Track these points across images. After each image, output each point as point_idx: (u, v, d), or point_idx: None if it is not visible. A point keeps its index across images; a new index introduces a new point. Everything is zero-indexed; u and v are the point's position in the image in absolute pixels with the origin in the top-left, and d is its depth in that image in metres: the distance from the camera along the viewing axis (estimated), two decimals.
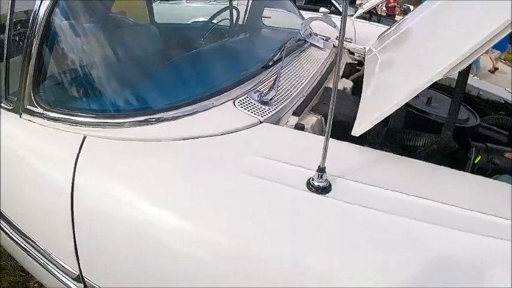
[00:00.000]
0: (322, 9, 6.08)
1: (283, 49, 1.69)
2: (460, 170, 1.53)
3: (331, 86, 1.73)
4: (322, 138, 1.17)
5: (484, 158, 1.61)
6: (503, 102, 2.30)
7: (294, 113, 1.35)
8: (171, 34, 2.46)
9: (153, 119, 1.17)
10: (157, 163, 1.03)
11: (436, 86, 2.28)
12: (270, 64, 1.60)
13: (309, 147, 1.12)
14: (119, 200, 0.99)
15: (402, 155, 1.18)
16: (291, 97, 1.44)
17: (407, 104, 1.67)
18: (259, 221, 0.86)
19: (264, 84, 1.48)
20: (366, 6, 6.27)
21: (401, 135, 1.36)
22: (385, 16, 8.46)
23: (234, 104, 1.30)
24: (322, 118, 1.41)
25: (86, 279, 1.11)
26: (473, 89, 2.39)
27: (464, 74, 1.27)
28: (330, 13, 6.14)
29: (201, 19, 3.23)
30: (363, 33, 5.72)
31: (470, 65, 1.03)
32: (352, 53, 2.62)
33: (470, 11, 1.24)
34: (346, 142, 1.17)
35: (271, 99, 1.35)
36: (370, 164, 1.08)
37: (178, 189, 0.95)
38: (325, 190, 0.91)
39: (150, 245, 0.92)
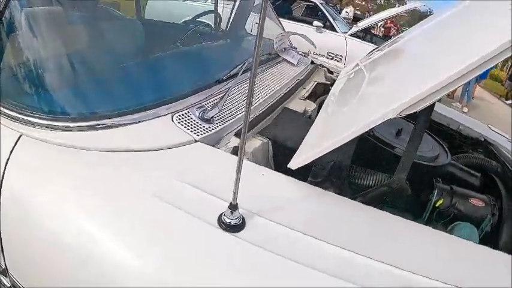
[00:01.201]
0: (316, 22, 6.10)
1: (244, 63, 1.57)
2: (418, 212, 1.47)
3: (291, 107, 1.61)
4: (256, 166, 1.08)
5: (446, 202, 1.51)
6: (482, 140, 2.19)
7: (236, 135, 1.22)
8: (143, 33, 2.32)
9: (86, 126, 1.09)
10: (77, 173, 0.97)
11: (409, 116, 2.18)
12: (225, 78, 1.47)
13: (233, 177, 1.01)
14: (40, 208, 0.93)
15: (345, 194, 1.08)
16: (238, 116, 1.32)
17: (372, 135, 1.58)
18: (159, 250, 0.79)
19: (213, 99, 1.36)
20: (362, 25, 6.21)
21: (348, 171, 1.23)
22: (381, 37, 8.38)
23: (172, 118, 1.19)
24: (270, 142, 1.29)
25: (10, 275, 1.05)
26: (454, 122, 2.28)
27: (428, 108, 1.14)
28: (323, 27, 6.17)
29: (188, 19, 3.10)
30: (355, 52, 5.66)
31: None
32: (331, 72, 2.51)
33: (438, 47, 1.15)
34: (281, 174, 1.06)
35: (212, 117, 1.24)
36: (300, 201, 0.98)
37: (90, 201, 0.90)
38: (235, 228, 0.82)
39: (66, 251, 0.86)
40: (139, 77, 1.45)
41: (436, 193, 1.51)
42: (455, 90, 8.92)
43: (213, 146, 1.17)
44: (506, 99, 12.23)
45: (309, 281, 0.76)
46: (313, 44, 2.36)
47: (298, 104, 1.67)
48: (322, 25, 6.11)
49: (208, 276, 0.75)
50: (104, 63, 1.45)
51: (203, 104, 1.30)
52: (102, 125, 1.09)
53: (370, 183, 1.27)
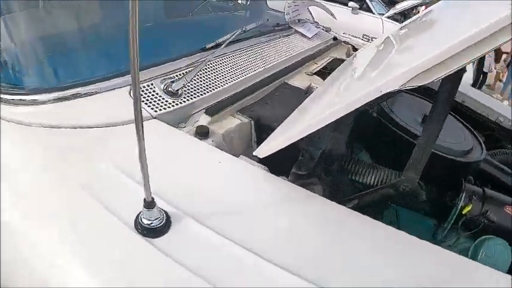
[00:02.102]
0: (351, 3, 5.70)
1: (234, 33, 1.29)
2: (441, 218, 1.27)
3: (293, 82, 1.33)
4: (217, 152, 0.83)
5: (476, 209, 1.23)
6: None
7: (207, 112, 0.97)
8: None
9: (30, 100, 0.92)
10: (13, 150, 0.82)
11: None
12: (207, 47, 1.21)
13: (186, 163, 0.80)
14: None
15: (336, 194, 0.83)
16: (216, 91, 1.06)
17: (392, 122, 1.30)
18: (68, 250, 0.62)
19: (186, 71, 1.10)
20: (400, 7, 5.76)
21: (343, 164, 0.95)
22: None
23: (130, 91, 0.96)
24: (252, 123, 1.02)
25: None
26: (493, 113, 1.98)
27: (454, 80, 0.84)
28: (359, 9, 5.77)
29: None
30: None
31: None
32: (356, 49, 2.19)
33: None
34: (246, 162, 0.82)
35: (178, 90, 0.98)
36: (258, 201, 0.74)
37: (20, 182, 0.74)
38: (152, 232, 0.63)
39: None
40: (99, 47, 1.21)
41: (463, 197, 1.24)
42: (496, 81, 8.35)
43: (177, 124, 0.95)
44: None
45: None
46: (332, 14, 2.05)
47: (302, 80, 1.38)
48: (358, 6, 5.69)
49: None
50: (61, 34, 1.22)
51: (173, 75, 1.05)
52: (51, 99, 0.92)
53: (372, 181, 0.98)
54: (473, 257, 1.17)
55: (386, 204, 1.00)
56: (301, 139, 0.76)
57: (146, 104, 0.94)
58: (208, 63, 1.14)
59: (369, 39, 5.25)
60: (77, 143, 0.82)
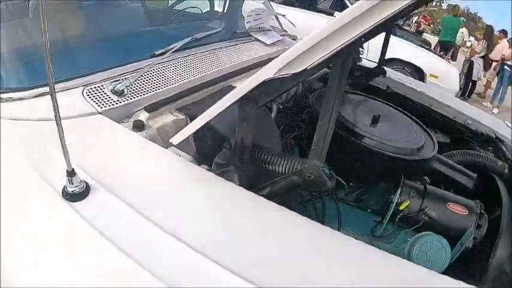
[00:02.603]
0: (336, 13, 5.86)
1: (182, 42, 1.46)
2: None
3: (237, 85, 1.48)
4: (142, 139, 0.99)
5: (415, 205, 1.27)
6: (494, 136, 1.93)
7: (146, 109, 1.13)
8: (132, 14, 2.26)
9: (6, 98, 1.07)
10: None
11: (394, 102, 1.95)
12: (156, 54, 1.37)
13: (116, 149, 0.97)
14: None
15: (250, 182, 0.96)
16: (157, 92, 1.22)
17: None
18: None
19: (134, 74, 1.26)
20: None
21: (255, 153, 1.01)
22: (411, 32, 7.94)
23: (83, 91, 1.13)
24: (188, 119, 1.18)
25: None
26: (462, 116, 2.07)
27: (342, 66, 0.82)
28: None
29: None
30: (378, 45, 5.40)
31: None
32: None
33: None
34: (167, 150, 0.98)
35: (123, 91, 1.15)
36: (170, 183, 0.89)
37: None
38: (76, 196, 0.78)
39: None
40: (61, 52, 1.37)
41: (400, 192, 1.27)
42: (487, 89, 8.44)
43: (121, 119, 1.10)
44: None
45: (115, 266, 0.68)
46: (292, 24, 2.22)
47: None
48: None
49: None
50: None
51: (120, 78, 1.21)
52: (25, 96, 1.08)
53: (281, 169, 0.99)
54: (409, 254, 1.19)
55: (296, 192, 1.04)
56: (223, 130, 0.91)
57: (94, 101, 1.09)
58: (158, 67, 1.30)
59: None
60: (37, 132, 0.97)
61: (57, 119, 0.69)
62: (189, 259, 0.68)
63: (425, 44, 6.88)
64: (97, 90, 1.14)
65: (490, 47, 7.61)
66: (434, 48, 8.35)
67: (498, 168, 1.64)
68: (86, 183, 0.80)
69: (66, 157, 0.73)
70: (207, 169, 0.95)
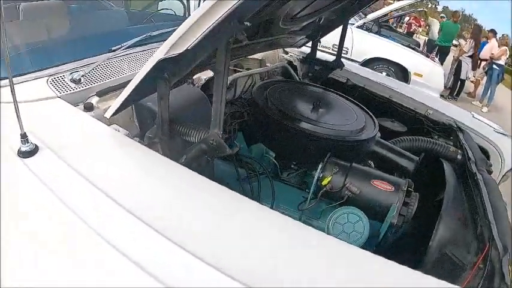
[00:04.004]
0: None
1: (139, 37, 1.64)
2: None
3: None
4: (89, 118, 1.16)
5: (337, 181, 1.31)
6: (455, 127, 1.99)
7: (97, 94, 1.30)
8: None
9: None
10: None
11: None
12: (114, 49, 1.54)
13: (65, 124, 1.16)
14: None
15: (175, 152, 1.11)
16: (112, 79, 1.40)
17: (274, 109, 1.50)
18: None
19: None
20: (370, 17, 6.10)
21: (170, 127, 1.13)
22: (400, 32, 8.05)
23: (47, 80, 1.30)
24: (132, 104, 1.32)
25: None
26: (422, 106, 2.16)
27: (224, 48, 0.97)
28: None
29: None
30: (363, 44, 5.62)
31: None
32: (286, 52, 2.50)
33: None
34: (105, 126, 1.15)
35: (79, 79, 1.32)
36: (106, 153, 1.06)
37: None
38: (27, 154, 0.96)
39: None
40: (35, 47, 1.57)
41: (320, 168, 1.32)
42: (477, 88, 8.54)
43: (76, 103, 1.27)
44: None
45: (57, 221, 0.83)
46: None
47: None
48: None
49: None
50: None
51: (80, 69, 1.39)
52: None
53: (195, 139, 1.13)
54: (327, 226, 1.25)
55: (207, 159, 1.12)
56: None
57: (55, 88, 1.27)
58: (113, 60, 1.48)
59: None
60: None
61: (12, 86, 0.87)
62: (110, 207, 0.85)
63: (413, 44, 7.03)
64: (59, 79, 1.32)
65: (478, 46, 7.72)
66: (423, 48, 8.49)
67: (450, 154, 1.70)
68: (36, 145, 0.98)
69: (20, 123, 0.92)
70: (138, 141, 1.13)
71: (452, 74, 8.11)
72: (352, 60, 4.88)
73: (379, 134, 1.84)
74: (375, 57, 5.58)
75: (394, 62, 5.61)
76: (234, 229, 0.86)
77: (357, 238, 1.22)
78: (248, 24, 0.92)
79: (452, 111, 2.16)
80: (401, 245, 1.50)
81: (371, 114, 1.72)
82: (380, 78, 2.47)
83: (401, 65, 5.61)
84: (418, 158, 1.60)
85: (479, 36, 7.87)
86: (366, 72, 2.49)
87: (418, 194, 1.28)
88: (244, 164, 1.48)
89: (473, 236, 1.20)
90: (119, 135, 1.12)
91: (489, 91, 7.92)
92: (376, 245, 1.40)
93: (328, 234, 1.18)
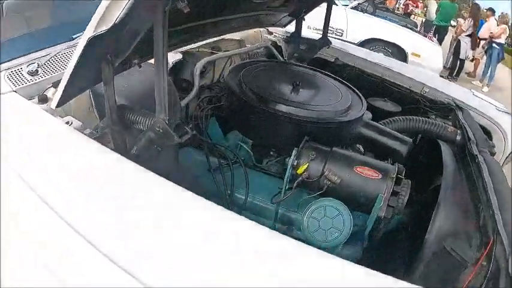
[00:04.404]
0: None
1: None
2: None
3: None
4: (39, 110, 1.07)
5: (315, 168, 1.16)
6: (454, 105, 1.85)
7: (53, 85, 1.19)
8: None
9: None
10: None
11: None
12: (74, 37, 1.44)
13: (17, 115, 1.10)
14: None
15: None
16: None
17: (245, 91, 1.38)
18: None
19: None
20: None
21: (118, 115, 1.02)
22: (393, 12, 7.81)
23: (5, 75, 1.21)
24: (90, 92, 1.22)
25: None
26: (417, 84, 2.02)
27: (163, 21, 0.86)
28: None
29: None
30: (357, 26, 5.48)
31: None
32: (270, 33, 2.36)
33: None
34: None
35: (36, 71, 1.22)
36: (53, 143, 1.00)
37: None
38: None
39: None
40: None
41: (294, 155, 1.16)
42: (476, 68, 8.39)
43: (33, 95, 1.17)
44: None
45: None
46: None
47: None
48: None
49: None
50: None
51: (38, 61, 1.28)
52: None
53: (144, 128, 1.03)
54: (303, 223, 1.13)
55: (156, 148, 1.02)
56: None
57: (12, 82, 1.17)
58: (75, 48, 1.36)
59: (333, 31, 5.42)
60: None
61: None
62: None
63: (411, 25, 6.86)
64: (16, 72, 1.22)
65: (476, 24, 7.56)
66: (420, 29, 8.32)
67: (449, 135, 1.56)
68: None
69: None
70: (89, 132, 1.04)
71: (451, 54, 7.94)
72: (348, 42, 4.72)
73: (370, 116, 1.75)
74: (371, 38, 5.41)
75: (391, 43, 5.44)
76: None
77: (335, 236, 1.10)
78: None
79: (450, 90, 2.03)
80: (396, 238, 1.41)
81: (358, 93, 1.58)
82: (372, 56, 2.33)
83: (399, 46, 5.44)
84: (411, 140, 1.47)
85: (477, 14, 7.69)
86: (357, 51, 2.34)
87: (410, 181, 1.15)
88: (216, 152, 1.36)
89: (475, 227, 1.07)
90: (65, 128, 1.03)
91: (489, 70, 7.78)
92: (367, 239, 1.29)
93: (304, 231, 1.12)
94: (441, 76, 6.11)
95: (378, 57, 2.31)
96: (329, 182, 1.14)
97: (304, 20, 2.03)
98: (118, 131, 1.00)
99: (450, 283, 0.99)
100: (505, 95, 7.47)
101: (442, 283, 1.03)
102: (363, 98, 1.55)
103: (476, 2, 8.12)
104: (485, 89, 7.63)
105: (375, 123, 1.51)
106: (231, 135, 1.53)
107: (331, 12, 1.98)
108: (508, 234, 0.95)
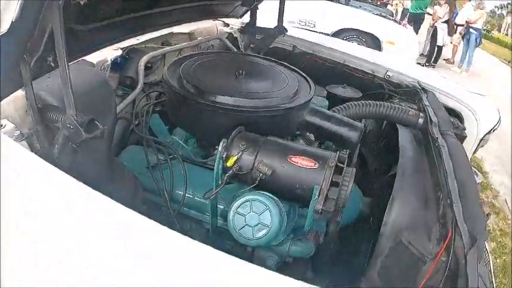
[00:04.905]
0: None
1: None
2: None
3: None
4: None
5: (248, 160, 1.05)
6: (419, 88, 1.78)
7: None
8: None
9: None
10: None
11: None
12: None
13: None
14: None
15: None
16: None
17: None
18: None
19: None
20: None
21: (39, 114, 0.93)
22: (369, 2, 7.74)
23: None
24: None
25: None
26: (380, 68, 1.95)
27: None
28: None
29: None
30: (332, 17, 5.39)
31: None
32: (227, 25, 2.24)
33: None
34: None
35: None
36: None
37: None
38: None
39: None
40: None
41: (221, 146, 1.06)
42: (454, 54, 8.41)
43: None
44: None
45: None
46: None
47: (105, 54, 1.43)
48: None
49: None
50: None
51: None
52: None
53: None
54: (229, 219, 1.03)
55: (71, 146, 0.91)
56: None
57: None
58: None
59: (305, 23, 5.30)
60: None
61: None
62: None
63: (386, 13, 6.78)
64: None
65: (453, 11, 7.55)
66: (401, 18, 8.30)
67: (410, 119, 1.46)
68: None
69: None
70: (18, 134, 0.93)
71: (428, 41, 7.95)
72: (320, 33, 4.61)
73: (326, 103, 1.69)
74: (344, 28, 5.31)
75: (365, 32, 5.35)
76: None
77: (262, 233, 0.98)
78: None
79: (417, 73, 1.95)
80: (360, 230, 1.34)
81: (308, 79, 1.46)
82: (332, 42, 2.23)
83: (372, 34, 5.35)
84: (362, 126, 1.36)
85: (453, 0, 7.67)
86: (316, 37, 2.24)
87: (354, 170, 1.03)
88: (154, 149, 1.27)
89: (436, 218, 0.98)
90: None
91: (467, 56, 7.81)
92: (324, 233, 1.21)
93: (230, 228, 1.02)
94: (418, 63, 6.08)
95: (338, 43, 2.21)
96: (261, 174, 1.03)
97: (257, 9, 1.92)
98: (41, 131, 0.93)
99: (411, 279, 0.91)
100: (483, 79, 7.51)
101: (401, 279, 0.95)
102: (312, 84, 1.43)
103: None
104: (464, 74, 7.65)
105: (322, 109, 1.40)
106: (177, 131, 1.44)
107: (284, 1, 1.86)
108: (468, 227, 0.86)
